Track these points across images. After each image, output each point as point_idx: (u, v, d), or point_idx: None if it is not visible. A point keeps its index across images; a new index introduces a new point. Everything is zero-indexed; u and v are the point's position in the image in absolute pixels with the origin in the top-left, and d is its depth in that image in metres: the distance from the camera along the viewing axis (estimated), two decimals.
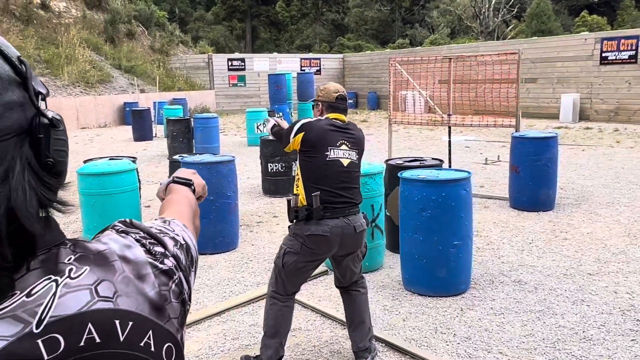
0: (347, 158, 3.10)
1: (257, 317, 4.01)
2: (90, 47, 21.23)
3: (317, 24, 47.21)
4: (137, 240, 0.78)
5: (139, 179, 5.90)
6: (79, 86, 19.32)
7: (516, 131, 7.26)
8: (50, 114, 0.70)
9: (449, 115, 7.62)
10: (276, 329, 3.12)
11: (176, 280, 0.78)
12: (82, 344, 0.64)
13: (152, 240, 0.80)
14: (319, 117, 3.22)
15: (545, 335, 3.59)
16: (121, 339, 0.67)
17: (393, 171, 5.09)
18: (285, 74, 16.34)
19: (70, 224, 6.46)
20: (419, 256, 4.22)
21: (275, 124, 3.48)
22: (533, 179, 6.64)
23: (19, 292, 0.64)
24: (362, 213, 3.22)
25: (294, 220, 3.05)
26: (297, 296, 4.24)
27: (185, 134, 11.78)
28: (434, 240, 4.14)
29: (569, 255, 5.13)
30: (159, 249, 0.80)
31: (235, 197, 5.58)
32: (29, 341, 0.61)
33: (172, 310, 0.76)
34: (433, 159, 5.56)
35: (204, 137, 11.52)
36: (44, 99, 0.71)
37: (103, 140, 15.18)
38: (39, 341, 0.62)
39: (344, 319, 3.82)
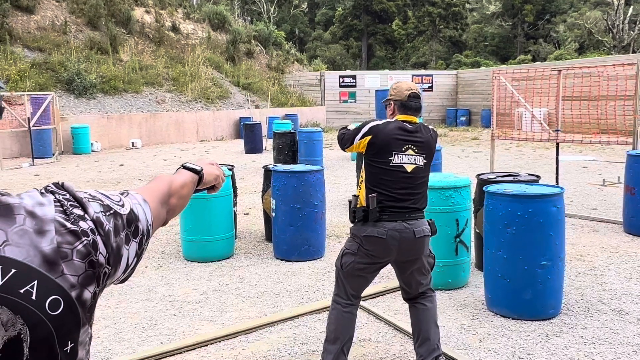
0: (411, 164, 3.01)
1: None
2: (212, 65, 22.73)
3: (434, 41, 46.62)
4: (58, 201, 0.85)
5: (234, 186, 6.17)
6: (200, 102, 20.71)
7: (633, 149, 6.62)
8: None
9: (557, 131, 7.13)
10: (336, 334, 3.09)
11: (85, 242, 0.83)
12: None
13: (73, 203, 0.87)
14: (389, 120, 3.16)
15: None
16: (0, 283, 0.73)
17: (483, 186, 4.86)
18: None
19: (175, 226, 6.91)
20: (502, 275, 3.98)
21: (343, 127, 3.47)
22: None
23: None
24: (429, 220, 3.11)
25: (354, 221, 3.03)
26: (373, 307, 4.20)
27: (291, 147, 12.13)
28: (519, 259, 3.88)
29: None
30: (77, 211, 0.86)
31: (323, 206, 5.64)
32: None
33: (71, 267, 0.81)
34: (529, 174, 5.23)
35: (308, 150, 11.79)
36: None
37: (217, 152, 16.10)
38: None
39: None
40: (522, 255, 3.87)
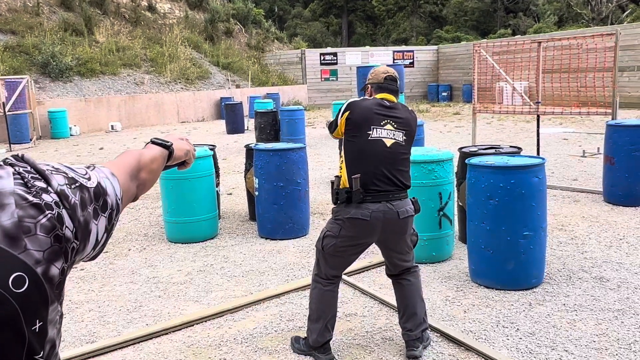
0: (390, 138, 2.98)
1: None
2: (191, 45, 22.37)
3: (414, 17, 46.34)
4: (19, 173, 0.80)
5: (216, 166, 6.11)
6: (179, 82, 20.43)
7: (612, 119, 6.68)
8: None
9: (538, 103, 7.16)
10: (318, 313, 3.09)
11: (49, 215, 0.79)
12: None
13: (35, 175, 0.82)
14: (367, 97, 3.14)
15: (621, 336, 3.27)
16: None
17: (465, 159, 4.87)
18: (374, 66, 16.21)
19: (157, 208, 6.85)
20: (485, 246, 4.01)
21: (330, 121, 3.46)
22: (629, 171, 6.08)
23: None
24: (412, 198, 3.10)
25: (337, 203, 3.01)
26: (358, 283, 4.22)
27: (273, 126, 12.08)
28: (502, 230, 3.91)
29: None
30: (40, 183, 0.81)
31: (306, 184, 5.61)
32: None
33: (36, 243, 0.77)
34: (511, 146, 5.25)
35: (290, 129, 11.72)
36: None
37: (199, 133, 15.95)
38: None
39: None
40: (505, 226, 3.90)
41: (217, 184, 6.15)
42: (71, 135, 16.20)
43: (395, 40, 43.79)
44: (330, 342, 3.16)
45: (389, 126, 2.99)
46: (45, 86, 17.20)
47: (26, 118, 15.00)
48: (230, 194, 7.73)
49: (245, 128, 15.93)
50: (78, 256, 0.87)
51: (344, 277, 4.32)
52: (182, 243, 5.47)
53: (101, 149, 13.21)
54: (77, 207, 0.85)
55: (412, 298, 3.17)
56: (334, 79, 24.07)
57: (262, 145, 5.78)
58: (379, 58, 23.85)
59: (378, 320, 3.65)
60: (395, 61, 23.84)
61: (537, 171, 3.91)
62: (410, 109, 3.25)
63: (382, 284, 4.24)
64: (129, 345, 3.41)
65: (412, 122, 3.11)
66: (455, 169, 5.18)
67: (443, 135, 13.22)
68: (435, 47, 27.59)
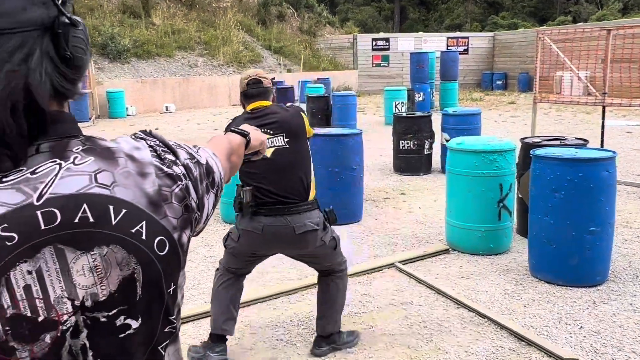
0: (269, 147, 2.81)
1: (370, 287, 4.01)
2: (243, 29, 22.54)
3: (469, 2, 45.14)
4: (150, 146, 0.85)
5: None
6: (232, 66, 20.65)
7: None
8: (70, 15, 0.79)
9: (604, 94, 6.86)
10: (213, 295, 3.06)
11: (180, 186, 0.84)
12: (76, 220, 0.71)
13: (164, 149, 0.87)
14: (238, 115, 3.07)
15: None
16: (113, 222, 0.74)
17: (528, 150, 4.72)
18: (428, 52, 15.91)
19: None
20: (548, 240, 3.89)
21: None
22: None
23: (25, 169, 0.72)
24: (326, 209, 2.95)
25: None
26: (413, 271, 4.18)
27: (325, 111, 12.07)
28: (567, 225, 3.78)
29: None
30: (170, 156, 0.86)
31: (361, 170, 5.58)
32: (29, 211, 0.70)
33: (172, 210, 0.82)
34: (577, 138, 5.06)
35: (342, 114, 11.68)
36: (64, 3, 0.79)
37: None
38: (38, 212, 0.70)
39: (459, 298, 3.68)
40: (570, 220, 3.77)
41: None
42: (127, 115, 16.67)
43: (448, 26, 42.81)
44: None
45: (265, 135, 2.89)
46: (104, 67, 17.72)
47: (86, 97, 15.51)
48: None
49: None
50: (197, 227, 0.92)
51: (398, 265, 4.31)
52: None
53: (156, 129, 13.52)
54: (198, 180, 0.90)
55: (334, 300, 3.10)
56: (386, 64, 23.77)
57: (318, 130, 5.77)
58: (433, 44, 23.38)
59: (435, 310, 3.61)
60: (448, 48, 23.32)
61: (607, 165, 3.75)
62: (288, 104, 3.12)
63: (437, 274, 4.19)
64: (190, 321, 3.50)
65: (289, 118, 2.93)
66: (517, 160, 5.04)
67: (498, 125, 12.89)
68: (491, 33, 26.82)
